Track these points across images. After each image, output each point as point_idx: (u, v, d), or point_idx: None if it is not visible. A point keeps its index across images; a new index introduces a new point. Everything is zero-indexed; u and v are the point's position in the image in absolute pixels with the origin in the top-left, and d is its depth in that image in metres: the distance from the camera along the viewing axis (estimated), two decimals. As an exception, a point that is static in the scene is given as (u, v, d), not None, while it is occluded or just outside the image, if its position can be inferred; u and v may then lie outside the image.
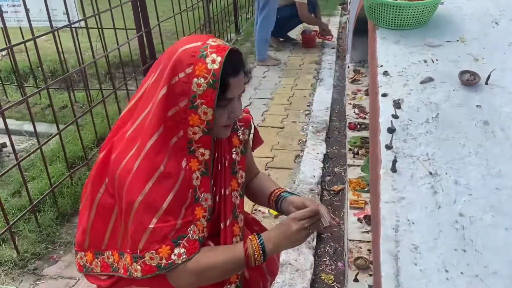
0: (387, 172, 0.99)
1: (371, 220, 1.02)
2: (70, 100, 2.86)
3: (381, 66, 1.27)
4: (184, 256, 1.21)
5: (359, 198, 1.95)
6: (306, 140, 3.43)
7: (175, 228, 1.20)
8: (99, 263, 1.37)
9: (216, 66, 1.15)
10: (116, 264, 1.32)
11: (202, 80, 1.16)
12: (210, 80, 1.15)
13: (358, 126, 2.58)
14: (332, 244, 2.47)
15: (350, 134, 2.51)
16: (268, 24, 5.01)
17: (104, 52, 3.12)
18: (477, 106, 1.13)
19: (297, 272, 2.14)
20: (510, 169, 0.98)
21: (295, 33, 6.05)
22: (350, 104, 2.90)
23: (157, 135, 1.18)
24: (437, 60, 1.28)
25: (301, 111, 4.06)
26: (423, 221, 0.91)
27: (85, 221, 1.39)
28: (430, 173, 0.98)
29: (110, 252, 1.34)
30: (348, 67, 3.60)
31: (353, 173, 2.15)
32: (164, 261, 1.19)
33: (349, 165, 2.22)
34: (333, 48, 5.68)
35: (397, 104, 1.12)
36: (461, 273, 0.82)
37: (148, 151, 1.17)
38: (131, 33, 3.68)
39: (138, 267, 1.22)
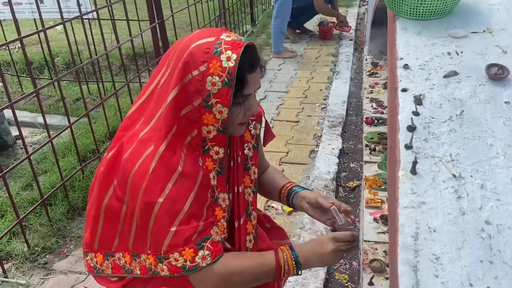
0: (406, 174, 0.91)
1: (388, 226, 0.94)
2: (82, 93, 2.83)
3: (401, 59, 1.19)
4: (209, 259, 1.17)
5: (375, 196, 1.87)
6: (321, 135, 3.36)
7: (197, 230, 1.16)
8: (110, 264, 1.34)
9: (231, 64, 1.09)
10: (128, 266, 1.29)
11: (217, 78, 1.10)
12: (225, 79, 1.10)
13: (376, 121, 2.49)
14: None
15: (367, 129, 2.42)
16: (284, 15, 4.91)
17: (117, 44, 3.08)
18: (505, 102, 1.04)
19: (310, 271, 2.08)
20: (542, 172, 0.89)
21: (311, 24, 5.94)
22: (368, 98, 2.81)
23: (171, 135, 1.14)
24: (462, 52, 1.19)
25: (317, 104, 3.97)
26: (445, 229, 0.83)
27: (93, 223, 1.36)
28: (454, 175, 0.90)
29: (121, 254, 1.31)
30: (366, 60, 3.49)
31: (369, 170, 2.07)
32: (188, 263, 1.16)
33: (366, 162, 2.14)
34: (350, 40, 5.55)
35: (418, 100, 1.04)
36: (488, 287, 0.75)
37: (163, 152, 1.13)
38: (144, 24, 3.64)
39: (165, 267, 1.20)
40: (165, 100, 1.19)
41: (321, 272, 2.08)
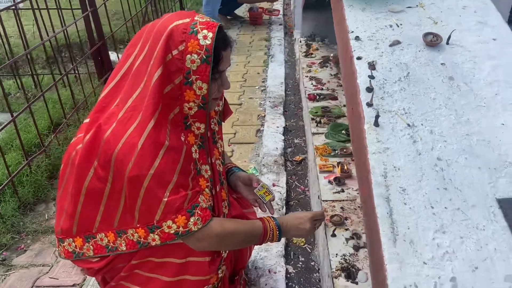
0: (371, 127, 1.08)
1: (357, 171, 1.11)
2: (22, 86, 2.73)
3: (352, 32, 1.35)
4: (200, 224, 1.28)
5: (327, 162, 2.05)
6: (265, 115, 3.52)
7: (187, 198, 1.26)
8: (91, 246, 1.38)
9: (208, 42, 1.20)
10: (112, 244, 1.35)
11: (196, 56, 1.20)
12: (204, 56, 1.20)
13: (317, 97, 2.68)
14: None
15: (310, 104, 2.61)
16: (214, 2, 4.98)
17: (48, 35, 2.98)
18: (441, 64, 1.24)
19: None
20: (476, 117, 1.10)
21: (241, 10, 6.06)
22: (307, 76, 2.99)
23: (158, 112, 1.21)
24: (401, 24, 1.37)
25: (257, 87, 4.13)
26: (407, 167, 1.01)
27: (71, 207, 1.39)
28: (408, 125, 1.08)
29: (104, 234, 1.35)
30: (300, 42, 3.69)
31: (318, 140, 2.25)
32: (181, 229, 1.26)
33: (314, 133, 2.32)
34: (280, 24, 5.76)
35: (372, 66, 1.21)
36: (445, 208, 0.93)
37: (152, 128, 1.21)
38: (74, 14, 3.52)
39: (156, 236, 1.27)
40: (143, 80, 1.25)
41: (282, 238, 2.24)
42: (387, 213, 0.93)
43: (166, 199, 1.23)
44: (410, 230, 0.91)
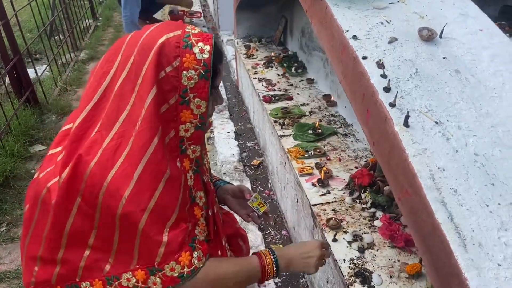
0: (402, 128, 1.04)
1: (389, 176, 1.06)
2: None
3: (347, 31, 1.31)
4: (203, 259, 1.13)
5: (304, 165, 2.01)
6: (212, 121, 3.39)
7: (188, 231, 1.11)
8: None
9: (206, 56, 1.07)
10: None
11: (193, 72, 1.06)
12: (202, 71, 1.07)
13: (272, 98, 2.62)
14: (270, 215, 2.53)
15: (268, 106, 2.54)
16: (132, 5, 4.71)
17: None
18: (443, 58, 1.24)
19: (251, 248, 2.14)
20: (493, 108, 1.11)
21: (159, 14, 5.81)
22: (256, 78, 2.92)
23: (157, 138, 1.06)
24: (390, 21, 1.36)
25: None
26: (450, 166, 0.98)
27: (50, 254, 1.18)
28: (436, 122, 1.06)
29: (89, 283, 1.16)
30: (238, 43, 3.60)
31: (287, 143, 2.19)
32: (186, 269, 1.10)
33: (281, 136, 2.25)
34: (203, 26, 5.62)
35: (380, 65, 1.17)
36: (499, 204, 0.92)
37: (151, 156, 1.04)
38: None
39: (158, 279, 1.10)
40: (129, 101, 1.09)
41: (261, 247, 2.17)
42: (448, 217, 0.89)
43: (166, 239, 1.07)
44: (475, 233, 0.88)
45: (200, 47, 1.06)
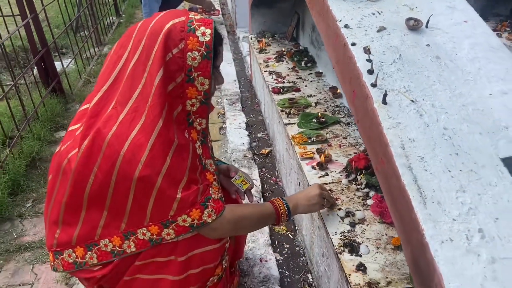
0: (380, 105, 1.17)
1: (369, 147, 1.19)
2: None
3: (340, 20, 1.44)
4: (214, 215, 1.30)
5: (305, 150, 2.13)
6: (224, 112, 3.54)
7: (199, 192, 1.27)
8: (94, 254, 1.35)
9: (207, 38, 1.22)
10: (118, 248, 1.33)
11: (196, 53, 1.21)
12: (204, 52, 1.22)
13: (281, 90, 2.76)
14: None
15: (276, 97, 2.68)
16: (151, 2, 4.90)
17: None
18: (426, 45, 1.36)
19: (256, 229, 2.28)
20: (467, 90, 1.23)
21: (181, 11, 6.01)
22: (266, 71, 3.06)
23: (165, 112, 1.21)
24: (382, 12, 1.48)
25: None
26: (420, 138, 1.11)
27: (71, 217, 1.35)
28: (412, 101, 1.19)
29: (108, 240, 1.33)
30: (251, 39, 3.75)
31: (292, 130, 2.33)
32: (196, 221, 1.27)
33: (286, 124, 2.39)
34: (221, 24, 5.79)
35: (367, 51, 1.30)
36: (460, 170, 1.04)
37: (161, 127, 1.21)
38: (7, 21, 3.32)
39: (171, 230, 1.27)
40: (141, 80, 1.25)
41: (266, 228, 2.31)
42: (412, 180, 1.02)
43: (179, 196, 1.24)
44: (435, 193, 1.00)
45: (202, 31, 1.22)
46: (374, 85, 1.21)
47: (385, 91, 1.17)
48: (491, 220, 0.96)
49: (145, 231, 1.30)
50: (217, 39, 1.29)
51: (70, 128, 1.43)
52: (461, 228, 0.95)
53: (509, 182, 1.02)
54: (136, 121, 1.23)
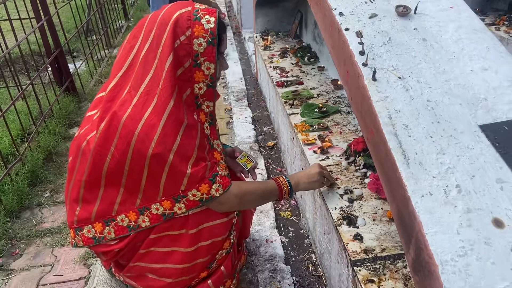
0: (370, 82, 1.29)
1: (360, 119, 1.31)
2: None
3: (335, 9, 1.56)
4: (221, 190, 1.42)
5: (308, 137, 2.26)
6: (231, 108, 3.68)
7: (207, 168, 1.39)
8: (112, 229, 1.46)
9: (212, 26, 1.34)
10: (134, 223, 1.44)
11: (202, 40, 1.33)
12: (209, 38, 1.34)
13: (285, 83, 2.88)
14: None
15: (280, 90, 2.81)
16: (158, 5, 5.05)
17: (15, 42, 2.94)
18: (414, 29, 1.48)
19: (262, 213, 2.41)
20: (450, 67, 1.34)
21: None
22: (271, 67, 3.19)
23: (175, 94, 1.33)
24: (374, 1, 1.61)
25: (218, 84, 4.28)
26: (405, 109, 1.22)
27: (90, 195, 1.46)
28: (399, 77, 1.30)
29: (124, 215, 1.44)
30: (256, 37, 3.89)
31: (295, 119, 2.45)
32: (205, 195, 1.38)
33: (290, 114, 2.51)
34: (228, 25, 5.94)
35: (359, 35, 1.42)
36: (441, 136, 1.16)
37: (172, 108, 1.32)
38: (24, 24, 3.49)
39: (182, 205, 1.39)
40: (152, 66, 1.36)
41: (271, 212, 2.43)
42: (397, 144, 1.14)
43: (189, 171, 1.36)
44: (418, 155, 1.12)
45: (207, 19, 1.34)
46: (365, 64, 1.33)
47: (375, 69, 1.29)
48: (468, 178, 1.07)
49: (158, 206, 1.41)
50: (220, 27, 1.41)
51: (88, 114, 1.56)
52: (440, 184, 1.06)
53: (486, 145, 1.14)
54: (149, 103, 1.35)
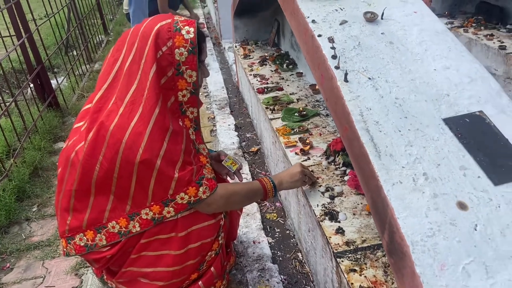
0: (342, 83, 1.38)
1: (335, 117, 1.40)
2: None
3: (308, 17, 1.66)
4: (208, 192, 1.48)
5: (289, 139, 2.35)
6: (214, 116, 3.75)
7: (194, 172, 1.45)
8: (103, 236, 1.50)
9: (191, 36, 1.41)
10: (124, 229, 1.49)
11: (183, 49, 1.41)
12: (190, 48, 1.41)
13: (265, 90, 2.98)
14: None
15: (261, 97, 2.90)
16: (139, 19, 5.12)
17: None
18: (381, 33, 1.59)
19: (249, 216, 2.48)
20: (415, 67, 1.45)
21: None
22: (251, 74, 3.29)
23: (160, 102, 1.40)
24: (344, 8, 1.71)
25: (200, 93, 4.36)
26: (376, 107, 1.32)
27: (80, 204, 1.50)
28: (369, 78, 1.41)
29: (115, 222, 1.49)
30: (236, 46, 3.99)
31: (276, 123, 2.55)
32: (192, 198, 1.44)
33: (271, 119, 2.61)
34: (207, 36, 6.03)
35: (331, 40, 1.52)
36: (409, 129, 1.26)
37: (157, 115, 1.38)
38: (5, 42, 3.51)
39: (171, 209, 1.44)
40: (136, 77, 1.43)
41: (257, 214, 2.50)
42: (369, 139, 1.23)
43: (177, 175, 1.41)
44: (388, 148, 1.22)
45: (186, 30, 1.42)
46: (337, 67, 1.43)
47: (346, 71, 1.39)
48: (434, 166, 1.17)
49: (148, 211, 1.46)
50: (200, 36, 1.49)
51: (75, 126, 1.61)
52: (408, 173, 1.16)
53: (449, 136, 1.24)
54: (135, 112, 1.41)
